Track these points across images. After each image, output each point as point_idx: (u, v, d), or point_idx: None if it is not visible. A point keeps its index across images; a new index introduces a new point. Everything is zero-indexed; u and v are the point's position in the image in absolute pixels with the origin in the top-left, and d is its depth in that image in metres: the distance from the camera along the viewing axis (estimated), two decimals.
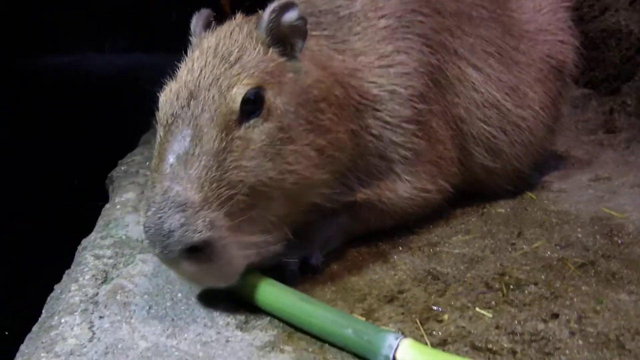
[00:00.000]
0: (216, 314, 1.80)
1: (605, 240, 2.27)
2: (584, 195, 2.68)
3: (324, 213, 2.08)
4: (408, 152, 2.19)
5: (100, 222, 2.36)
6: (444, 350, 1.66)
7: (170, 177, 1.67)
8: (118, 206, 2.43)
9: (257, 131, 1.78)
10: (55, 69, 8.08)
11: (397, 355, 1.56)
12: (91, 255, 2.07)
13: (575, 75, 2.82)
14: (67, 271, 2.10)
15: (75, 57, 8.81)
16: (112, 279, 1.95)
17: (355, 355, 1.64)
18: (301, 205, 1.94)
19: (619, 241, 2.26)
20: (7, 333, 2.65)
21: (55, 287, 2.04)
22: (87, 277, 1.95)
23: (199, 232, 1.62)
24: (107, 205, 2.51)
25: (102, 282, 1.93)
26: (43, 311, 1.91)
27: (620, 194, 2.68)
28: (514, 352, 1.67)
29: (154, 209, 1.64)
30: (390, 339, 1.59)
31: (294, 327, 1.75)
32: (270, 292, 1.79)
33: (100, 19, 8.53)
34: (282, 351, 1.66)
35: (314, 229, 2.07)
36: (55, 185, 4.07)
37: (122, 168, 2.86)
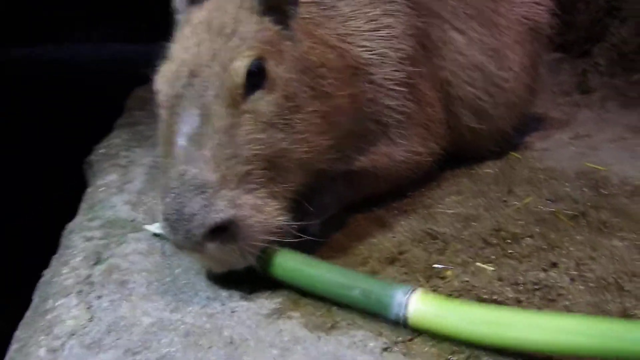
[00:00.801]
0: (218, 286, 1.79)
1: (592, 192, 2.33)
2: (567, 152, 2.74)
3: (320, 181, 2.08)
4: (401, 115, 2.21)
5: (84, 205, 2.33)
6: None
7: (184, 160, 1.64)
8: (102, 188, 2.41)
9: (264, 103, 1.75)
10: (34, 59, 7.93)
11: (409, 308, 1.57)
12: (80, 237, 2.05)
13: (551, 36, 2.85)
14: (54, 256, 2.06)
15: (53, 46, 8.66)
16: (106, 259, 1.92)
17: (365, 313, 1.65)
18: (310, 175, 1.94)
19: (605, 192, 2.33)
20: None
21: (45, 272, 2.00)
22: (78, 259, 1.92)
23: (222, 212, 1.60)
24: (89, 189, 2.48)
25: (95, 263, 1.90)
26: (35, 297, 1.88)
27: (601, 149, 2.75)
28: (519, 301, 1.72)
29: (172, 194, 1.61)
30: (400, 294, 1.59)
31: (300, 293, 1.75)
32: (277, 260, 1.78)
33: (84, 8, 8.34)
34: (289, 317, 1.67)
35: (312, 198, 2.07)
36: (30, 177, 4.02)
37: (101, 151, 2.82)
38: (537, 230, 2.08)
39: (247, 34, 1.80)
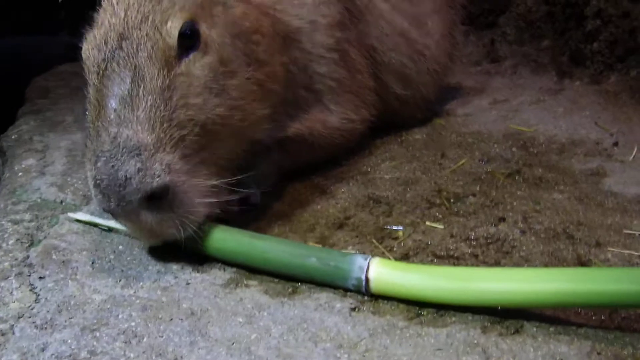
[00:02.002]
0: (166, 260, 1.70)
1: (522, 151, 2.37)
2: (489, 116, 2.78)
3: (256, 150, 2.01)
4: (332, 82, 2.17)
5: (3, 190, 2.16)
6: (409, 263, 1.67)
7: (117, 122, 1.53)
8: (20, 173, 2.24)
9: (199, 66, 1.67)
10: None
11: (370, 275, 1.52)
12: (7, 221, 1.89)
13: (465, 5, 2.89)
14: None
15: None
16: (40, 240, 1.79)
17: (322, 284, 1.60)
18: (245, 144, 1.86)
19: (535, 151, 2.38)
20: None
21: None
22: (10, 242, 1.78)
23: (158, 177, 1.50)
24: (6, 174, 2.32)
25: (29, 245, 1.77)
26: None
27: (522, 111, 2.81)
28: (475, 256, 1.72)
29: (104, 158, 1.50)
30: (359, 260, 1.54)
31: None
32: (219, 236, 1.68)
33: None
34: (247, 286, 1.60)
35: (248, 168, 2.00)
36: None
37: (13, 137, 2.64)
38: (477, 189, 2.09)
39: None
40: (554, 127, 2.58)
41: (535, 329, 1.40)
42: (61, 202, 2.01)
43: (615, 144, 2.39)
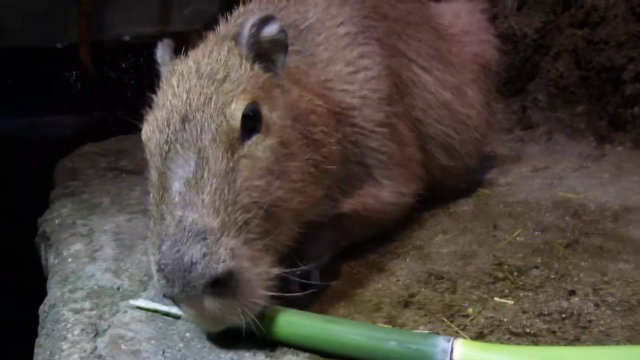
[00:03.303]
0: (238, 347, 1.64)
1: (575, 220, 2.34)
2: (533, 184, 2.76)
3: (309, 229, 1.98)
4: (383, 156, 2.17)
5: (55, 278, 2.13)
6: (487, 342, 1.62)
7: (182, 205, 1.51)
8: (69, 259, 2.21)
9: (261, 148, 1.66)
10: None
11: (455, 357, 1.47)
12: (67, 310, 1.86)
13: (500, 71, 2.91)
14: (40, 333, 1.88)
15: None
16: (105, 330, 1.74)
17: None
18: (302, 226, 1.84)
19: (588, 219, 2.35)
20: None
21: (37, 349, 1.82)
22: (75, 332, 1.73)
23: (223, 262, 1.46)
24: (55, 261, 2.28)
25: (94, 335, 1.72)
26: None
27: (566, 178, 2.79)
28: (552, 332, 1.67)
29: (168, 242, 1.46)
30: (442, 342, 1.50)
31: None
32: (290, 321, 1.64)
33: None
34: None
35: (303, 247, 1.96)
36: None
37: (56, 221, 2.62)
38: (539, 260, 2.05)
39: (240, 79, 1.72)
40: (603, 194, 2.56)
41: None
42: (118, 288, 1.97)
43: None
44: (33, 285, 2.60)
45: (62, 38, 6.48)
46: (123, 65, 6.63)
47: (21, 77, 6.38)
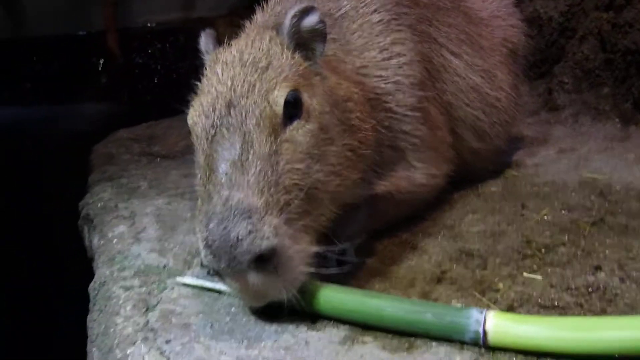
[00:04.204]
0: (281, 320, 1.75)
1: (600, 199, 2.41)
2: (560, 165, 2.82)
3: (345, 210, 2.07)
4: (416, 139, 2.24)
5: (102, 258, 2.24)
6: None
7: (228, 185, 1.62)
8: (115, 240, 2.33)
9: (302, 133, 1.76)
10: None
11: (487, 328, 1.56)
12: (118, 288, 1.97)
13: (526, 55, 2.96)
14: (93, 309, 1.99)
15: None
16: (155, 305, 1.86)
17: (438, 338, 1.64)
18: (340, 208, 1.93)
19: (614, 199, 2.40)
20: None
21: (90, 324, 1.93)
22: (128, 307, 1.85)
23: (267, 239, 1.56)
24: (99, 242, 2.40)
25: (145, 310, 1.84)
26: (93, 349, 1.81)
27: (591, 160, 2.85)
28: (580, 305, 1.74)
29: (216, 220, 1.57)
30: (475, 314, 1.59)
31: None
32: (331, 296, 1.75)
33: None
34: (364, 343, 1.64)
35: (339, 227, 2.05)
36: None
37: (99, 205, 2.74)
38: (566, 238, 2.12)
39: (282, 66, 1.82)
40: (628, 175, 2.62)
41: None
42: (164, 267, 2.08)
43: None
44: (73, 266, 2.73)
45: (88, 26, 6.58)
46: (149, 51, 6.72)
47: (48, 65, 6.51)
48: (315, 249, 1.73)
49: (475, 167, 2.65)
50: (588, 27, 3.48)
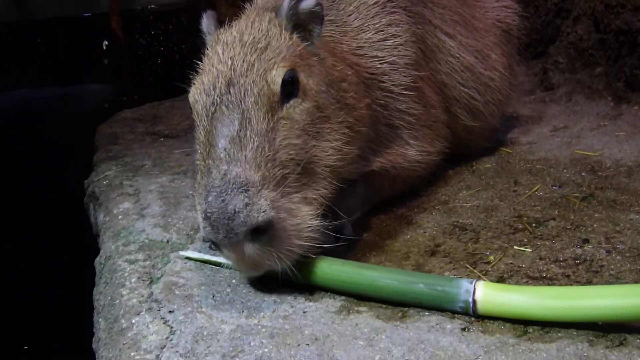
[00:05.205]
0: (279, 292, 1.83)
1: (591, 175, 2.47)
2: (553, 143, 2.89)
3: (343, 186, 2.13)
4: (410, 117, 2.32)
5: (107, 234, 2.32)
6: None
7: (227, 160, 1.70)
8: (120, 216, 2.40)
9: (298, 111, 1.84)
10: None
11: (477, 297, 1.64)
12: (123, 261, 2.05)
13: (521, 36, 3.02)
14: (99, 282, 2.08)
15: None
16: (159, 278, 1.94)
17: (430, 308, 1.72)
18: (337, 183, 2.00)
19: (604, 175, 2.48)
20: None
21: (96, 296, 2.02)
22: (132, 280, 1.94)
23: (264, 212, 1.64)
24: (105, 219, 2.47)
25: (150, 283, 1.92)
26: (99, 320, 1.89)
27: (584, 137, 2.91)
28: (567, 276, 1.82)
29: (214, 193, 1.65)
30: (465, 284, 1.67)
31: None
32: (326, 267, 1.82)
33: None
34: (359, 312, 1.72)
35: (337, 202, 2.12)
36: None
37: (104, 182, 2.82)
38: (556, 213, 2.19)
39: (280, 47, 1.90)
40: (618, 151, 2.68)
41: (638, 341, 1.50)
42: (167, 241, 2.17)
43: None
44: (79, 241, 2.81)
45: (92, 7, 6.63)
46: (152, 32, 6.77)
47: (52, 48, 6.56)
48: (312, 222, 1.80)
49: (470, 145, 2.73)
50: (582, 7, 3.53)
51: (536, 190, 2.38)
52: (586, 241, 1.99)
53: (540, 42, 3.84)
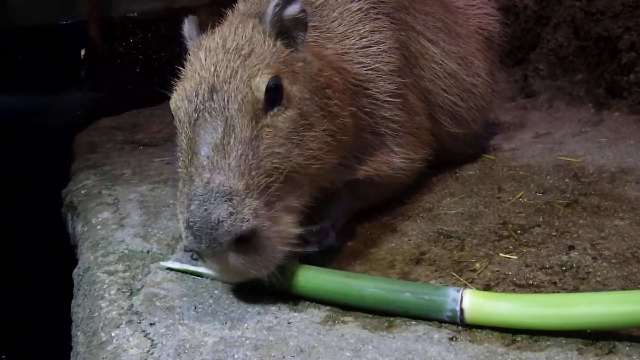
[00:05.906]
0: (263, 302, 1.80)
1: (574, 182, 2.47)
2: (535, 149, 2.89)
3: (327, 194, 2.12)
4: (395, 124, 2.30)
5: (85, 244, 2.28)
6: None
7: (210, 168, 1.67)
8: (99, 226, 2.36)
9: (282, 119, 1.81)
10: None
11: (464, 306, 1.62)
12: (102, 272, 2.01)
13: (502, 43, 3.02)
14: (77, 294, 2.04)
15: None
16: (139, 289, 1.90)
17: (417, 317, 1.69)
18: (319, 191, 1.99)
19: (587, 181, 2.48)
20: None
21: (74, 309, 1.98)
22: (112, 292, 1.89)
23: (247, 221, 1.61)
24: (83, 229, 2.43)
25: (130, 294, 1.88)
26: (78, 333, 1.85)
27: (566, 143, 2.92)
28: (554, 283, 1.81)
29: (197, 201, 1.62)
30: (452, 293, 1.65)
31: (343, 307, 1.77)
32: (311, 277, 1.80)
33: None
34: (344, 322, 1.70)
35: (321, 210, 2.10)
36: None
37: (82, 192, 2.77)
38: (541, 219, 2.19)
39: (264, 54, 1.87)
40: (601, 157, 2.69)
41: (628, 348, 1.49)
42: (148, 251, 2.13)
43: None
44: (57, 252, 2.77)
45: (70, 15, 6.57)
46: (131, 40, 6.72)
47: (30, 55, 6.49)
48: (295, 230, 1.79)
49: (453, 152, 2.72)
50: (562, 15, 3.55)
51: (520, 197, 2.37)
52: (572, 248, 1.98)
53: (520, 49, 3.85)
